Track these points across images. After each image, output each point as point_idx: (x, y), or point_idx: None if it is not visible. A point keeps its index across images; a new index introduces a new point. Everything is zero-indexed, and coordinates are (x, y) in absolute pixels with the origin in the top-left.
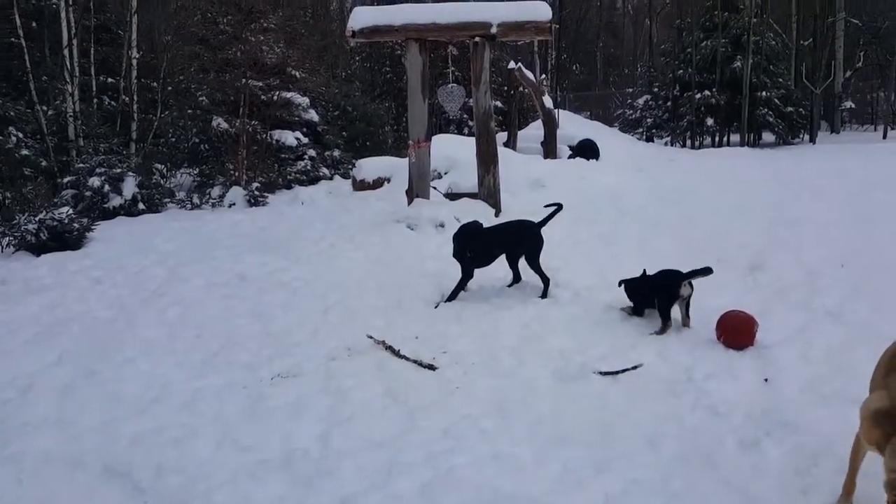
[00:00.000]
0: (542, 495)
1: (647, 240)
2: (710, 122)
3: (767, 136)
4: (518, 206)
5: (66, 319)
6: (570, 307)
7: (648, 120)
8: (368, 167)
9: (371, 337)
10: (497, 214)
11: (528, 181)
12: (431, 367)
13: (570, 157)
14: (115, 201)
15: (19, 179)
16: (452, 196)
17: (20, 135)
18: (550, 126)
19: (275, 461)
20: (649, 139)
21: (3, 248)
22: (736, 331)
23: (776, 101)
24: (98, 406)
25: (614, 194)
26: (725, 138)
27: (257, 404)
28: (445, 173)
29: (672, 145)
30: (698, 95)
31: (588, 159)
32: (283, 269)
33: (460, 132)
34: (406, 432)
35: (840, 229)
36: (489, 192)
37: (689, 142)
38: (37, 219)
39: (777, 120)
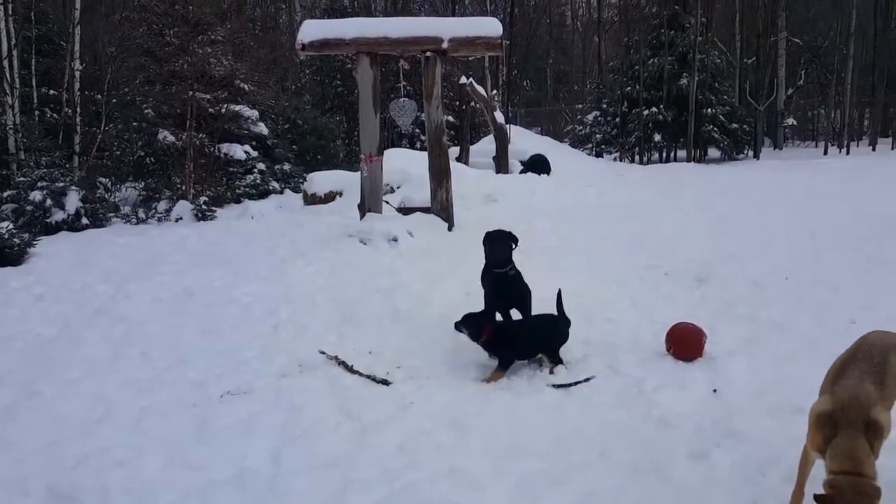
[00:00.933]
0: None
1: (597, 254)
2: (657, 137)
3: (713, 152)
4: (471, 220)
5: (7, 337)
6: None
7: (598, 136)
8: (320, 181)
9: (323, 352)
10: (450, 229)
11: (481, 196)
12: (385, 383)
13: (521, 171)
14: (58, 216)
15: None
16: (405, 210)
17: None
18: (502, 141)
19: (225, 481)
20: (599, 154)
21: None
22: (685, 343)
23: (721, 117)
24: (41, 427)
25: (565, 209)
26: (673, 154)
27: (207, 423)
28: (398, 187)
29: (621, 160)
30: (646, 112)
31: (539, 174)
32: (232, 285)
33: (412, 146)
34: (360, 449)
35: (784, 242)
36: (442, 207)
37: (637, 157)
38: None
39: (722, 136)
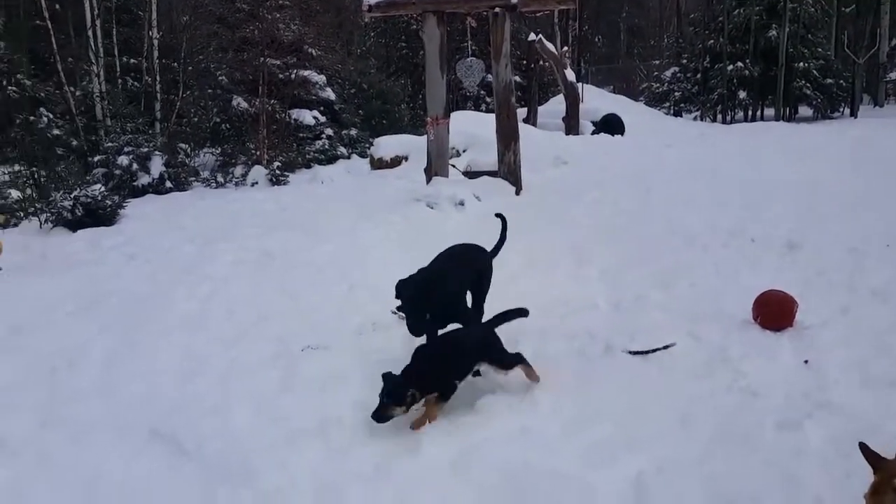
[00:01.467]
0: (573, 470)
1: (674, 219)
2: (742, 95)
3: (804, 110)
4: (539, 183)
5: (106, 293)
6: (595, 285)
7: (676, 93)
8: (386, 145)
9: (395, 312)
10: (518, 192)
11: (550, 158)
12: None
13: (593, 132)
14: (144, 179)
15: (52, 159)
16: (472, 174)
17: (50, 115)
18: (573, 100)
19: (310, 430)
20: (677, 114)
21: (41, 224)
22: (774, 311)
23: (814, 72)
24: (140, 376)
25: (640, 171)
26: (759, 112)
27: (290, 376)
28: (464, 151)
29: (702, 120)
30: (730, 67)
31: (612, 135)
32: (307, 248)
33: (478, 109)
34: None
35: (884, 207)
36: (509, 170)
37: (720, 116)
38: (72, 196)
39: (815, 92)
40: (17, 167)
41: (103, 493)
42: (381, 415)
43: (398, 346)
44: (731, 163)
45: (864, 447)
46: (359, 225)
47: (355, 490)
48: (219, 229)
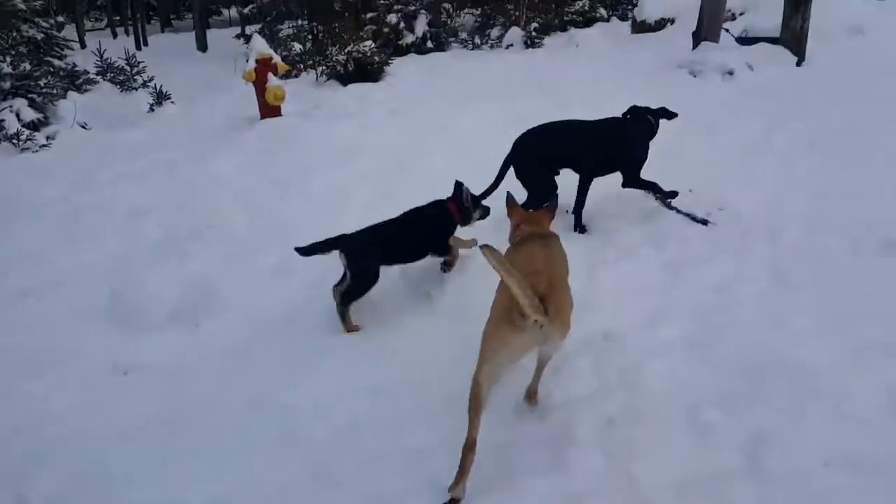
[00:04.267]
0: (827, 368)
1: None
2: None
3: None
4: (827, 56)
5: (371, 144)
6: (883, 174)
7: None
8: (651, 6)
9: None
10: (799, 64)
11: (846, 26)
12: (705, 223)
13: None
14: (408, 38)
15: (329, 13)
16: (748, 40)
17: None
18: None
19: None
20: None
21: (317, 76)
22: None
23: None
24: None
25: None
26: None
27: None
28: (741, 14)
29: None
30: None
31: None
32: (556, 115)
33: None
34: (673, 284)
35: None
36: (794, 36)
37: None
38: (345, 51)
39: None
40: (300, 21)
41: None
42: None
43: (638, 220)
44: None
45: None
46: (611, 94)
47: (583, 355)
48: (474, 90)
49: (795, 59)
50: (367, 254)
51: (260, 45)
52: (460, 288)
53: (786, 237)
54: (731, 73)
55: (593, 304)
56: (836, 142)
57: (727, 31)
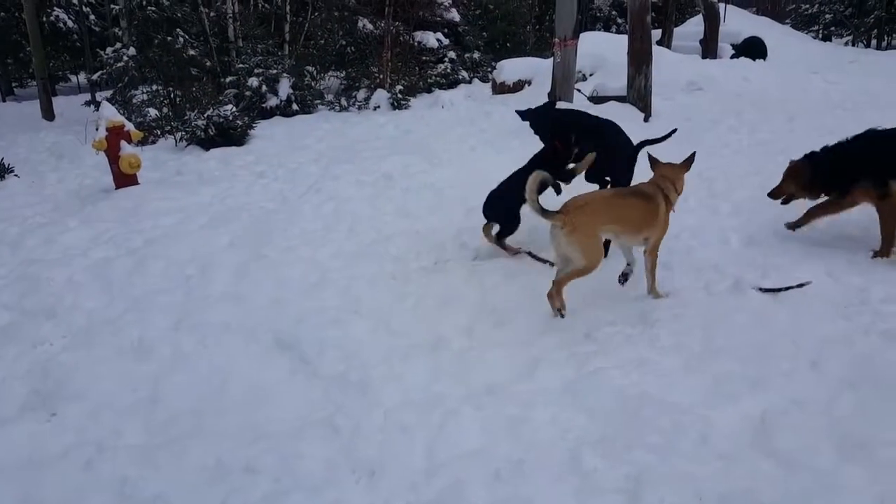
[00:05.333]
0: (692, 405)
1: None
2: None
3: None
4: (670, 110)
5: (236, 208)
6: (727, 220)
7: (827, 16)
8: (509, 69)
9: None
10: (647, 119)
11: (684, 83)
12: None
13: (732, 56)
14: (272, 101)
15: (187, 79)
16: (598, 99)
17: (186, 36)
18: (712, 22)
19: (424, 347)
20: (826, 38)
21: (176, 141)
22: None
23: None
24: (268, 286)
25: (782, 99)
26: None
27: (406, 294)
28: (591, 75)
29: (854, 45)
30: None
31: (754, 59)
32: (425, 172)
33: (608, 30)
34: (549, 332)
35: None
36: (639, 95)
37: (874, 41)
38: (205, 115)
39: None
40: (154, 86)
41: (232, 393)
42: None
43: (514, 272)
44: (883, 92)
45: None
46: (478, 149)
47: (467, 409)
48: (341, 151)
49: (643, 115)
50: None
51: (110, 113)
52: None
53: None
54: None
55: (479, 359)
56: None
57: (579, 90)
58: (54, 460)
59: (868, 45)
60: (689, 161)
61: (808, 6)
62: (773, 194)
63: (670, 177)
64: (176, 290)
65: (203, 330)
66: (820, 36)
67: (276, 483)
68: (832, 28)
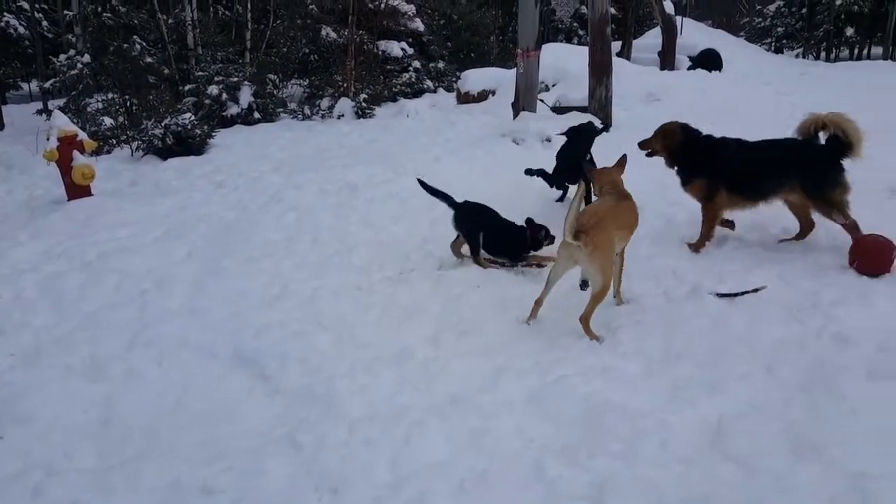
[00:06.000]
0: (653, 410)
1: None
2: (849, 31)
3: None
4: (630, 120)
5: (194, 219)
6: (684, 228)
7: (779, 29)
8: (473, 79)
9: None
10: (607, 129)
11: (643, 94)
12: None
13: (689, 68)
14: (233, 110)
15: (144, 87)
16: (561, 110)
17: (144, 43)
18: (670, 34)
19: (389, 359)
20: (779, 50)
21: (132, 151)
22: (872, 256)
23: None
24: (226, 299)
25: (736, 110)
26: (866, 50)
27: (371, 305)
28: (553, 85)
29: (804, 57)
30: (839, 2)
31: (710, 71)
32: (390, 181)
33: (570, 42)
34: (514, 342)
35: None
36: (600, 106)
37: (823, 53)
38: (162, 124)
39: None
40: (110, 95)
41: (188, 411)
42: None
43: (480, 281)
44: (832, 103)
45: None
46: (443, 159)
47: (432, 420)
48: (304, 160)
49: (603, 125)
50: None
51: (62, 122)
52: None
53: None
54: (549, 140)
55: (443, 369)
56: (640, 197)
57: (542, 101)
58: (1, 485)
59: (818, 58)
60: (622, 161)
61: (760, 20)
62: (642, 145)
63: (616, 179)
64: (130, 305)
65: (158, 346)
66: (772, 48)
67: (235, 503)
68: (784, 41)
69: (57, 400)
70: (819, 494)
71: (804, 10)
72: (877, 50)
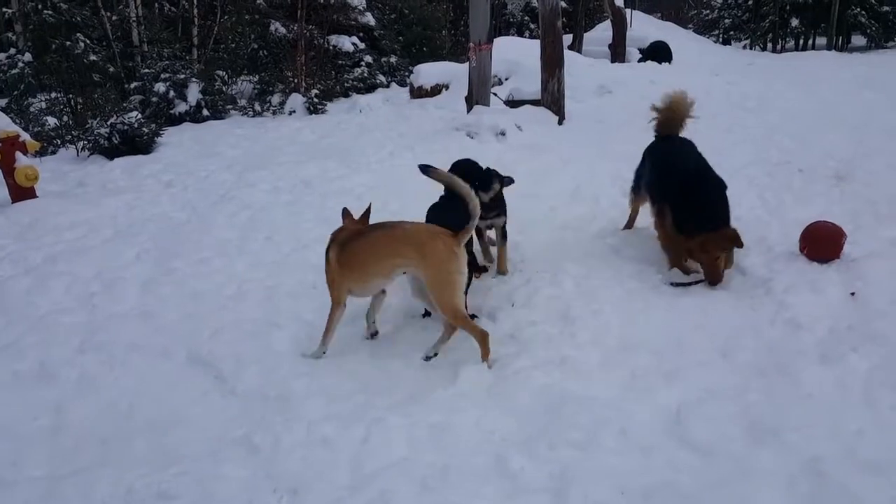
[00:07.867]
0: (612, 399)
1: (723, 149)
2: (794, 22)
3: (858, 39)
4: (583, 112)
5: (143, 220)
6: (642, 217)
7: (726, 21)
8: (426, 73)
9: None
10: (560, 122)
11: (595, 87)
12: (484, 269)
13: (640, 60)
14: (181, 107)
15: (88, 85)
16: (514, 103)
17: (87, 41)
18: (620, 27)
19: (349, 358)
20: (726, 41)
21: (78, 151)
22: (821, 242)
23: None
24: (178, 301)
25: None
26: (811, 41)
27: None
28: (506, 79)
29: (751, 48)
30: None
31: (660, 62)
32: (344, 177)
33: (521, 35)
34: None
35: None
36: (553, 99)
37: (770, 44)
38: (108, 123)
39: (870, 21)
40: (53, 94)
41: (142, 416)
42: None
43: None
44: (779, 93)
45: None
46: (397, 154)
47: (392, 418)
48: (256, 157)
49: (557, 118)
50: None
51: (3, 123)
52: None
53: (566, 282)
54: (503, 133)
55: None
56: (595, 188)
57: (496, 94)
58: None
59: (764, 49)
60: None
61: (708, 12)
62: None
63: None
64: (80, 310)
65: (110, 350)
66: (720, 40)
67: None
68: (731, 32)
69: (5, 408)
70: (777, 477)
71: (750, 2)
72: (821, 40)
